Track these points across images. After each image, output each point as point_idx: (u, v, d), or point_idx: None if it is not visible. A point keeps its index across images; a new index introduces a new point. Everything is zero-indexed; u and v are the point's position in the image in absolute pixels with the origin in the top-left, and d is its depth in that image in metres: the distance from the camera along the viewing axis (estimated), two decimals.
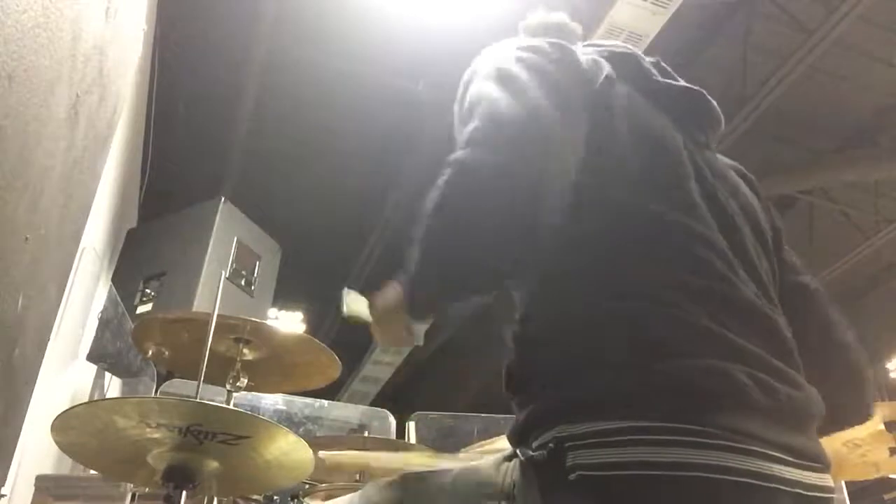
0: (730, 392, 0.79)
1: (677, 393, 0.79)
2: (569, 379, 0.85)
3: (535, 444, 0.84)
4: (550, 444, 0.81)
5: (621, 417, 0.78)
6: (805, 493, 0.80)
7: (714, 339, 0.83)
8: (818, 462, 0.84)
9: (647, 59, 1.13)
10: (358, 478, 2.15)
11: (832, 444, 0.99)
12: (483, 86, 0.93)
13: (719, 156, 1.15)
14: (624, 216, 0.91)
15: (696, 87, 1.11)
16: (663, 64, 1.12)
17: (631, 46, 1.17)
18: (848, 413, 0.98)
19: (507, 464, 0.92)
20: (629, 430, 0.77)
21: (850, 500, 2.49)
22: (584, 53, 1.03)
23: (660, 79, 1.07)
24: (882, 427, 2.10)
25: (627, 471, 0.76)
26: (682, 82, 1.11)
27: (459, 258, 0.86)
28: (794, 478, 0.79)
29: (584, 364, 0.84)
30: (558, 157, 0.86)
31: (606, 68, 1.00)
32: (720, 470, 0.75)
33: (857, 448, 2.26)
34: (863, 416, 1.06)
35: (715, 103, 1.11)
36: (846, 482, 2.38)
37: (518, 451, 0.89)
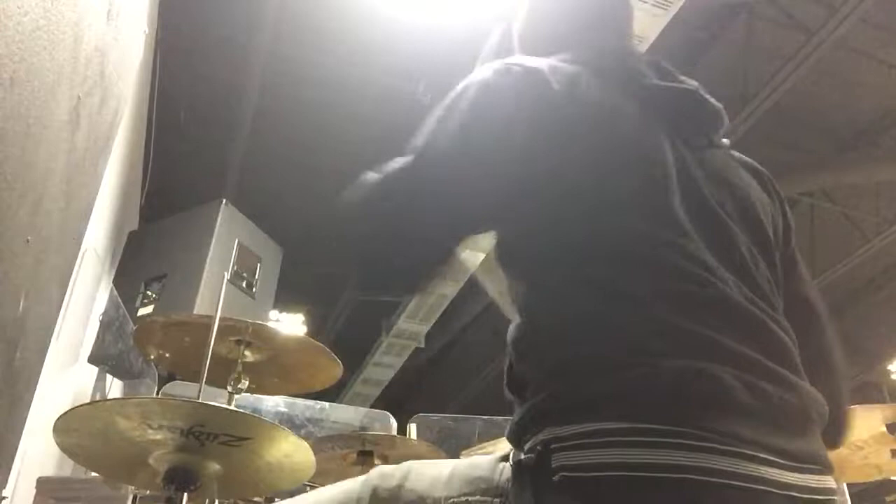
0: (715, 393, 0.78)
1: (661, 395, 0.78)
2: (555, 382, 0.85)
3: (525, 447, 0.85)
4: (538, 447, 0.81)
5: (605, 419, 0.78)
6: (799, 495, 0.78)
7: (698, 340, 0.82)
8: (814, 463, 0.82)
9: (645, 59, 1.11)
10: None
11: None
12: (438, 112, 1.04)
13: (734, 152, 1.13)
14: (599, 231, 0.91)
15: (688, 85, 1.08)
16: (663, 64, 1.10)
17: (625, 48, 1.16)
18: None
19: (503, 463, 0.93)
20: (612, 432, 0.77)
21: (852, 501, 2.48)
22: (563, 63, 1.02)
23: (650, 81, 1.05)
24: (884, 429, 2.10)
25: (609, 472, 0.76)
26: (681, 82, 1.09)
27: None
28: (785, 480, 0.77)
29: (569, 367, 0.85)
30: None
31: (583, 82, 0.99)
32: (703, 472, 0.74)
33: (859, 450, 2.25)
34: (832, 447, 1.07)
35: (712, 99, 1.09)
36: (848, 484, 2.37)
37: (510, 455, 0.90)
